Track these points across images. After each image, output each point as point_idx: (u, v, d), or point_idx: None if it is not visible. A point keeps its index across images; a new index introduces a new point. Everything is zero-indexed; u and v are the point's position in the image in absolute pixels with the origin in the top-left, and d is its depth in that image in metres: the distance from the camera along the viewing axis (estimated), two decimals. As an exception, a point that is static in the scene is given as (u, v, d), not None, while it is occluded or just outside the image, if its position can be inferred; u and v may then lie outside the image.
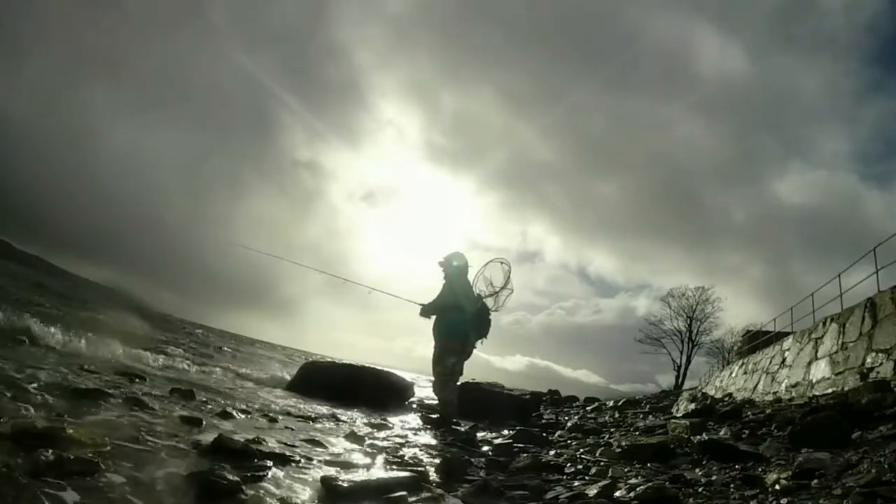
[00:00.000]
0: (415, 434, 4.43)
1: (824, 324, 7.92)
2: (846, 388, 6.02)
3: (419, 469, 2.73)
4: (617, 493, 2.34)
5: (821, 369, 7.42)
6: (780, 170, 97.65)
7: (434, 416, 5.87)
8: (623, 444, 3.71)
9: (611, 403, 11.29)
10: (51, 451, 1.85)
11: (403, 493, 2.25)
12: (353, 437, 3.59)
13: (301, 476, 2.47)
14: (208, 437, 2.62)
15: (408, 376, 8.94)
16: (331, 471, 2.52)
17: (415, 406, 7.54)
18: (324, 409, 5.02)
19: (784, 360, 9.23)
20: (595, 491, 2.39)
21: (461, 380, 6.16)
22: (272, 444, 2.86)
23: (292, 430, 3.55)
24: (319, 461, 2.74)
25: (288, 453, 2.74)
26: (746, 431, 4.02)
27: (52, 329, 5.85)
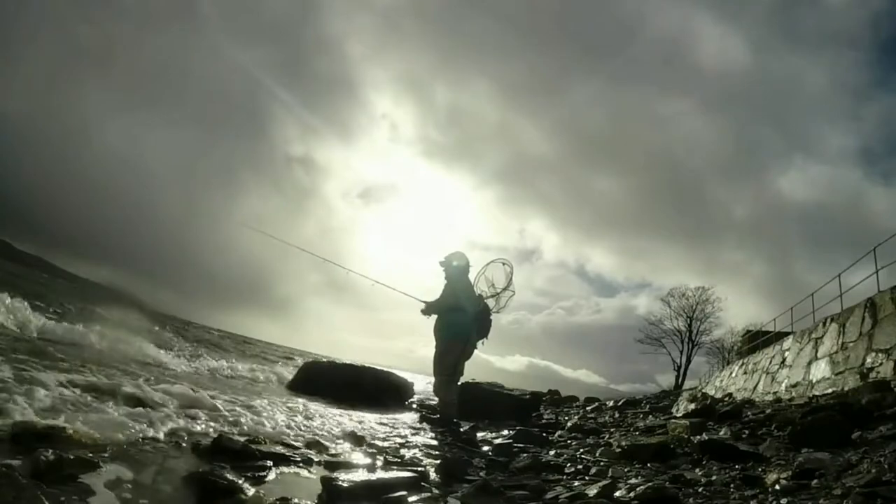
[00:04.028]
0: (415, 434, 4.44)
1: (824, 324, 7.92)
2: (846, 388, 6.02)
3: (419, 469, 2.73)
4: (617, 493, 2.34)
5: (821, 369, 7.42)
6: (782, 165, 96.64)
7: (434, 416, 5.87)
8: (623, 444, 3.71)
9: (611, 403, 11.28)
10: (51, 450, 1.85)
11: (403, 493, 2.26)
12: (352, 436, 3.60)
13: (301, 476, 2.47)
14: (208, 437, 2.62)
15: (408, 376, 8.94)
16: (330, 471, 2.52)
17: (415, 406, 7.54)
18: (323, 409, 5.03)
19: (784, 360, 9.23)
20: (595, 491, 2.39)
21: (461, 380, 6.16)
22: (272, 444, 2.86)
23: (292, 429, 3.55)
24: (319, 461, 2.75)
25: (288, 453, 2.75)
26: (746, 431, 4.02)
27: (53, 328, 5.86)
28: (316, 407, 5.12)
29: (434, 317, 5.89)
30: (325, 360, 10.30)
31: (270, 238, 7.06)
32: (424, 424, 5.27)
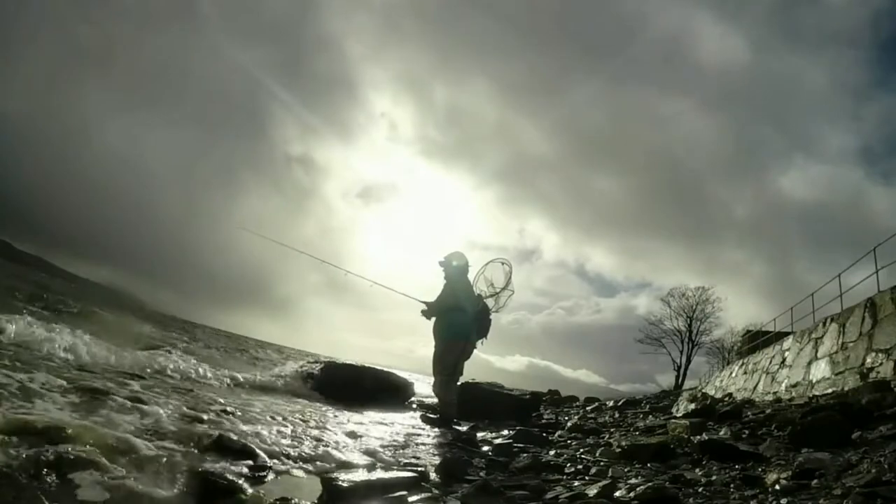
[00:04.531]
0: (415, 434, 4.44)
1: (824, 324, 7.92)
2: (846, 388, 6.02)
3: (419, 469, 2.73)
4: (617, 493, 2.34)
5: (821, 369, 7.42)
6: (783, 165, 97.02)
7: (434, 416, 5.87)
8: (623, 444, 3.71)
9: (611, 403, 11.28)
10: (51, 450, 1.85)
11: (403, 492, 2.25)
12: (352, 436, 3.59)
13: (301, 475, 2.47)
14: (209, 437, 2.62)
15: (408, 376, 8.94)
16: (330, 470, 2.52)
17: (415, 406, 7.54)
18: (323, 409, 5.03)
19: (784, 360, 9.23)
20: (595, 491, 2.38)
21: (461, 380, 6.16)
22: (272, 444, 2.86)
23: (292, 429, 3.55)
24: (319, 460, 2.74)
25: (288, 452, 2.74)
26: (746, 431, 4.02)
27: (53, 328, 5.85)
28: (316, 407, 5.12)
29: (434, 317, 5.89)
30: (323, 359, 10.30)
31: (269, 240, 7.07)
32: (424, 424, 5.27)
